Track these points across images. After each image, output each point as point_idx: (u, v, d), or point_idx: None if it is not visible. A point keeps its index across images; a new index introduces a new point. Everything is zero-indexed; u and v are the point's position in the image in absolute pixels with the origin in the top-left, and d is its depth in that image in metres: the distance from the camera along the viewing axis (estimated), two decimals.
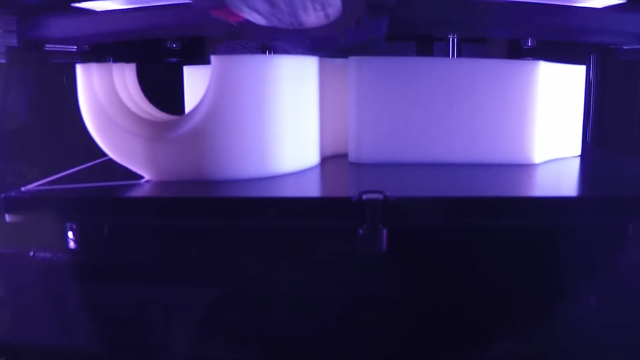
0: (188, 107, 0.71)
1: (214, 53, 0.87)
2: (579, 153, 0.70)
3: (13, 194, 0.51)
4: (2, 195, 0.51)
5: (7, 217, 0.51)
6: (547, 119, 0.64)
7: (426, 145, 0.63)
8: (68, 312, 0.52)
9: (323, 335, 0.50)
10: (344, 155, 0.66)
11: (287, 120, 0.57)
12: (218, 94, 0.54)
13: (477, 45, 0.88)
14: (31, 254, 0.51)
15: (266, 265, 0.50)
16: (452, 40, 0.79)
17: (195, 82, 0.69)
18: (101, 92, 0.55)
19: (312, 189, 0.58)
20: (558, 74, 0.65)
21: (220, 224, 0.50)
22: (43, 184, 0.55)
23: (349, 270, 0.49)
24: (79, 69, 0.56)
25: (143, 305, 0.51)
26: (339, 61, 0.65)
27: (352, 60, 0.64)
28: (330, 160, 0.65)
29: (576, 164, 0.66)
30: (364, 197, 0.47)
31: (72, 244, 0.52)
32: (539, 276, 0.50)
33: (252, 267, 0.50)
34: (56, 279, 0.51)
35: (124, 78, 0.60)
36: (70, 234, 0.53)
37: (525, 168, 0.62)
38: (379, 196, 0.47)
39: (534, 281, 0.50)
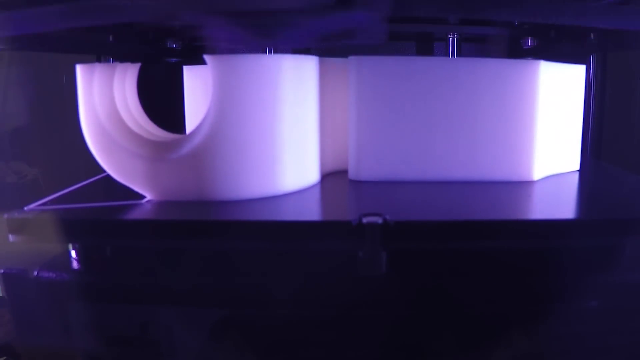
0: (188, 108, 0.71)
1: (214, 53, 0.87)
2: (578, 168, 0.70)
3: (16, 214, 0.52)
4: (6, 215, 0.51)
5: (11, 237, 0.51)
6: (547, 120, 0.64)
7: (426, 155, 0.63)
8: (71, 332, 0.52)
9: (323, 357, 0.50)
10: (344, 172, 0.66)
11: (288, 134, 0.57)
12: (221, 99, 0.54)
13: (477, 45, 0.88)
14: (35, 273, 0.52)
15: (267, 288, 0.50)
16: (452, 40, 0.79)
17: (195, 83, 0.69)
18: (102, 112, 0.56)
19: (312, 210, 0.58)
20: (558, 74, 0.65)
21: (222, 246, 0.51)
22: (46, 203, 0.55)
23: (349, 293, 0.49)
24: (79, 70, 0.56)
25: (145, 326, 0.51)
26: (338, 61, 0.65)
27: (352, 59, 0.63)
28: (330, 178, 0.65)
29: (575, 180, 0.66)
30: (364, 220, 0.47)
31: (75, 264, 0.53)
32: (539, 298, 0.50)
33: (254, 289, 0.50)
34: (60, 298, 0.52)
35: (124, 85, 0.59)
36: (73, 254, 0.54)
37: (524, 185, 0.62)
38: (378, 219, 0.47)
39: (533, 303, 0.50)
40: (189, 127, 0.71)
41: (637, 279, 0.50)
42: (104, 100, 0.56)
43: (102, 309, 0.51)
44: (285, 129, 0.57)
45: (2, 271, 0.52)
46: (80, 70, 0.56)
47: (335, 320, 0.50)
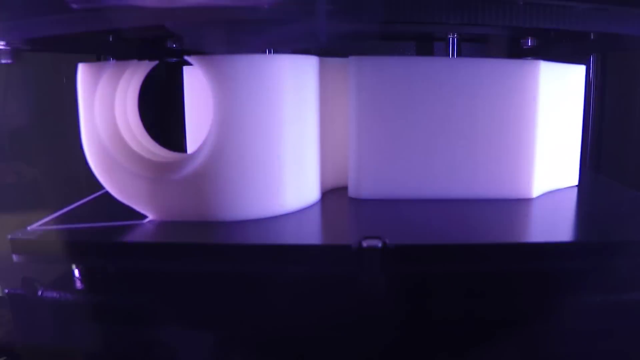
0: (188, 109, 0.70)
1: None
2: (577, 183, 0.70)
3: (19, 234, 0.52)
4: (9, 236, 0.52)
5: (14, 258, 0.52)
6: (547, 125, 0.64)
7: (425, 169, 0.63)
8: (75, 352, 0.52)
9: None
10: (344, 189, 0.66)
11: (290, 151, 0.57)
12: (222, 110, 0.53)
13: (477, 45, 0.88)
14: (39, 293, 0.52)
15: (267, 310, 0.50)
16: (452, 40, 0.79)
17: (195, 83, 0.69)
18: (104, 131, 0.55)
19: (312, 232, 0.58)
20: (558, 74, 0.65)
21: (222, 268, 0.51)
22: (48, 223, 0.56)
23: (349, 315, 0.50)
24: (83, 70, 0.55)
25: (147, 347, 0.52)
26: (338, 61, 0.65)
27: (352, 60, 0.63)
28: (330, 196, 0.65)
29: (573, 198, 0.66)
30: (364, 244, 0.48)
31: (78, 284, 0.53)
32: (539, 322, 0.50)
33: (254, 311, 0.51)
34: (63, 318, 0.52)
35: (126, 95, 0.59)
36: (76, 273, 0.54)
37: (522, 203, 0.62)
38: (378, 243, 0.48)
39: (533, 326, 0.50)
40: (189, 128, 0.71)
41: (634, 300, 0.51)
42: (105, 114, 0.56)
43: (105, 330, 0.52)
44: (287, 145, 0.57)
45: (7, 291, 0.53)
46: (83, 70, 0.55)
47: (334, 343, 0.50)
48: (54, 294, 0.52)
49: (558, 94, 0.65)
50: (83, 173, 0.65)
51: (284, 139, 0.56)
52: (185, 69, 0.70)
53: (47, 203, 0.73)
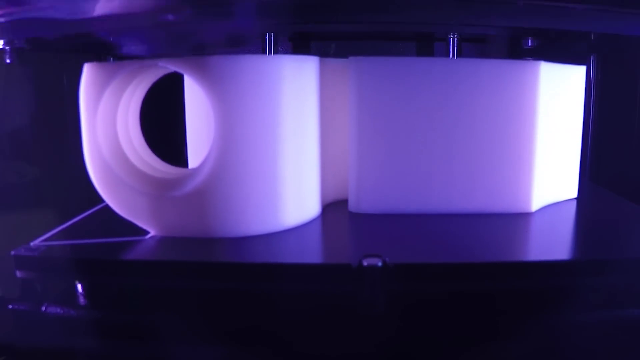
0: (188, 110, 0.70)
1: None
2: (576, 195, 0.70)
3: (22, 251, 0.53)
4: (12, 252, 0.52)
5: (18, 274, 0.52)
6: (547, 130, 0.64)
7: (425, 180, 0.63)
8: None
9: None
10: (344, 202, 0.66)
11: (291, 165, 0.57)
12: (223, 122, 0.53)
13: (477, 46, 0.88)
14: (43, 308, 0.52)
15: (268, 328, 0.51)
16: (452, 40, 0.79)
17: (195, 85, 0.69)
18: (105, 146, 0.56)
19: (312, 250, 0.58)
20: (558, 74, 0.65)
21: (223, 287, 0.52)
22: (50, 238, 0.56)
23: (349, 333, 0.50)
24: (89, 71, 0.55)
25: None
26: (338, 61, 0.64)
27: (352, 60, 0.63)
28: (331, 210, 0.66)
29: (572, 213, 0.66)
30: (364, 262, 0.48)
31: (81, 300, 0.54)
32: (539, 338, 0.50)
33: (255, 329, 0.51)
34: (67, 333, 0.53)
35: (129, 103, 0.59)
36: (79, 288, 0.54)
37: (522, 218, 0.63)
38: (378, 262, 0.48)
39: (533, 344, 0.50)
40: (190, 135, 0.71)
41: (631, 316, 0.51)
42: (107, 127, 0.56)
43: (107, 346, 0.52)
44: (289, 159, 0.57)
45: (10, 307, 0.53)
46: (89, 72, 0.55)
47: None
48: (58, 310, 0.52)
49: (558, 96, 0.65)
50: (84, 173, 0.65)
51: (285, 154, 0.57)
52: (186, 75, 0.70)
53: (47, 203, 0.73)
